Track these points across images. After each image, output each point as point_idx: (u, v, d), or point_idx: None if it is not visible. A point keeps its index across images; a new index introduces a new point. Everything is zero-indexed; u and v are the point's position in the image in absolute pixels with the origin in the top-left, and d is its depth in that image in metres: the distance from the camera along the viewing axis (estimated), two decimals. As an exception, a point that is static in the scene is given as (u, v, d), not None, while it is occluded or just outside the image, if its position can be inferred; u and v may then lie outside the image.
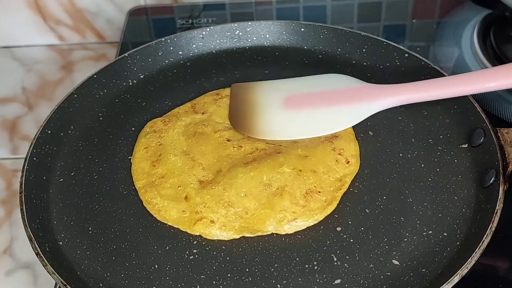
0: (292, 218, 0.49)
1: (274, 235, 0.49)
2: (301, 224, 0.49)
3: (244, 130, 0.55)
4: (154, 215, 0.50)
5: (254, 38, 0.67)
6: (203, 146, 0.54)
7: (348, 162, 0.53)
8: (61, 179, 0.54)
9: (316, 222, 0.49)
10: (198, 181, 0.52)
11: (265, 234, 0.49)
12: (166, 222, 0.50)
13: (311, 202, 0.50)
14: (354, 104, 0.55)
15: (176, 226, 0.49)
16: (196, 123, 0.57)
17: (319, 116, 0.55)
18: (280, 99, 0.57)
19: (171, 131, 0.56)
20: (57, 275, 0.45)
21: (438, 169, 0.52)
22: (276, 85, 0.59)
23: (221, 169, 0.52)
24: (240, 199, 0.50)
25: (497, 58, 0.68)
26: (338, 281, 0.46)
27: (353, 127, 0.55)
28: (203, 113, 0.58)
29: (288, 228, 0.49)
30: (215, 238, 0.49)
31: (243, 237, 0.49)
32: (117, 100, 0.62)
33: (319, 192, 0.50)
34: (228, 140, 0.55)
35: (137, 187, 0.53)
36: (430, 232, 0.48)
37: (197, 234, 0.49)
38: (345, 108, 0.55)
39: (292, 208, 0.49)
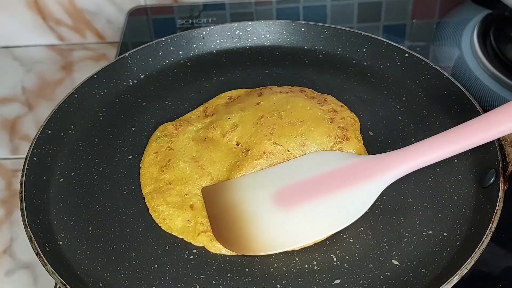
0: None
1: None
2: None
3: (237, 248, 0.47)
4: (159, 224, 0.50)
5: (255, 38, 0.67)
6: (213, 153, 0.53)
7: None
8: (61, 179, 0.54)
9: (324, 237, 0.48)
10: None
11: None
12: (170, 232, 0.49)
13: None
14: (359, 186, 0.47)
15: (180, 237, 0.49)
16: (207, 126, 0.56)
17: (322, 209, 0.47)
18: (268, 198, 0.48)
19: (181, 136, 0.55)
20: (57, 275, 0.45)
21: (438, 169, 0.52)
22: (257, 180, 0.50)
23: (229, 179, 0.51)
24: None
25: (497, 58, 0.68)
26: (338, 281, 0.46)
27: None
28: (213, 115, 0.57)
29: None
30: (217, 252, 0.48)
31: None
32: (117, 100, 0.62)
33: None
34: (238, 144, 0.54)
35: (144, 192, 0.52)
36: (430, 232, 0.48)
37: (201, 245, 0.48)
38: (349, 193, 0.47)
39: None
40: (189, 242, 0.48)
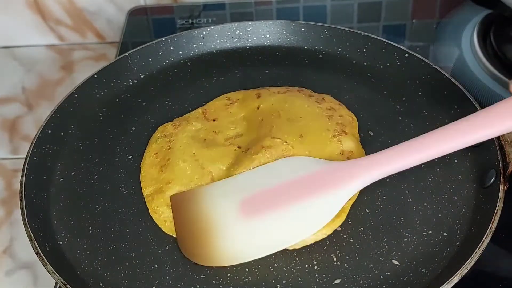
0: None
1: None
2: (309, 238, 0.47)
3: (202, 260, 0.46)
4: (160, 226, 0.50)
5: (255, 38, 0.67)
6: (213, 152, 0.53)
7: None
8: (61, 179, 0.54)
9: (324, 236, 0.48)
10: None
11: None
12: (172, 234, 0.49)
13: None
14: (326, 193, 0.47)
15: None
16: (207, 129, 0.56)
17: (288, 218, 0.46)
18: (234, 206, 0.47)
19: (180, 135, 0.55)
20: (57, 274, 0.45)
21: (438, 169, 0.52)
22: (225, 188, 0.49)
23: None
24: None
25: (497, 58, 0.68)
26: (338, 281, 0.46)
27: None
28: (214, 120, 0.57)
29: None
30: None
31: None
32: (117, 100, 0.62)
33: None
34: (239, 147, 0.53)
35: (144, 194, 0.52)
36: (430, 232, 0.48)
37: None
38: (315, 201, 0.47)
39: None
40: (189, 242, 0.49)
